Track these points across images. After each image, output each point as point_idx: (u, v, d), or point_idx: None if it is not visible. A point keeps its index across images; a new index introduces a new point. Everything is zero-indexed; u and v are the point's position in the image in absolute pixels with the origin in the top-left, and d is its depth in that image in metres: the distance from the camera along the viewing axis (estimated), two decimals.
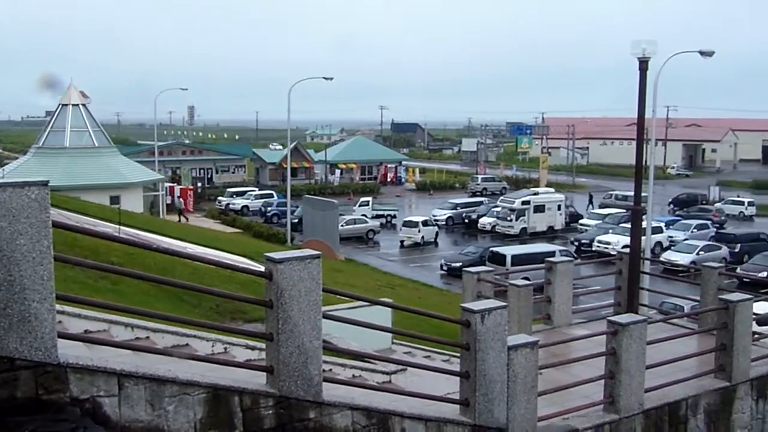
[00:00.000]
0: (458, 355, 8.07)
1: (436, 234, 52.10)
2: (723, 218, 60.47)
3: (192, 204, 63.38)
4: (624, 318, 9.17)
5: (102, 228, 20.07)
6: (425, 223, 51.49)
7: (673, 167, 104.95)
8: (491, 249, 40.53)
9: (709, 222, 55.09)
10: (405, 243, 50.22)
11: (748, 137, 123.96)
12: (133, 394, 5.41)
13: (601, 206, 64.13)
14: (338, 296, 10.53)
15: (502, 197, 61.46)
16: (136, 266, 11.71)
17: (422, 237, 50.50)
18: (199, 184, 76.18)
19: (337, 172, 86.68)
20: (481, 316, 7.59)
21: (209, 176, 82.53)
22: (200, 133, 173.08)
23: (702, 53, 28.55)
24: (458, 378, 7.82)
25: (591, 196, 70.61)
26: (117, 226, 20.82)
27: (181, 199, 58.77)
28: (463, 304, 7.99)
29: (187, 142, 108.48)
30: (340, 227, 43.74)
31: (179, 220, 52.15)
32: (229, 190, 70.64)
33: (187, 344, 9.16)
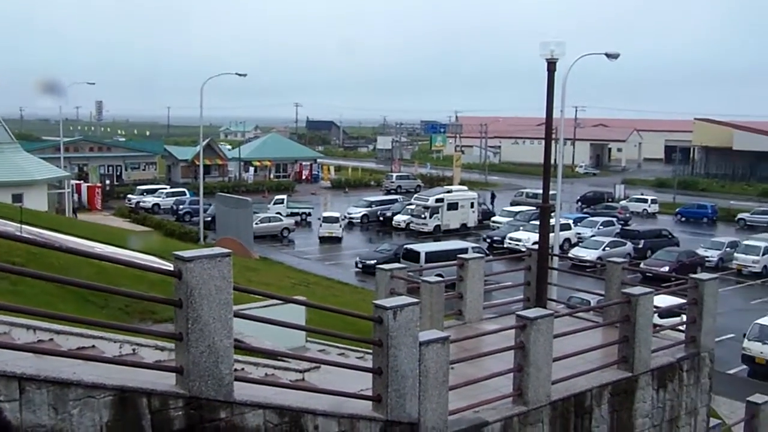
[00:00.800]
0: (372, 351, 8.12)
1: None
2: (628, 215, 62.76)
3: (100, 202, 61.56)
4: (531, 312, 9.41)
5: (2, 227, 19.28)
6: (336, 220, 52.66)
7: (581, 166, 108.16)
8: (405, 246, 40.90)
9: (614, 219, 57.07)
10: (325, 236, 51.58)
11: (651, 137, 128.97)
12: (36, 399, 5.24)
13: (513, 204, 65.52)
14: (251, 295, 10.44)
15: (416, 195, 62.06)
16: (39, 266, 11.30)
17: (342, 231, 52.49)
18: (108, 182, 74.05)
19: (251, 169, 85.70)
20: (393, 313, 7.66)
21: (118, 173, 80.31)
22: (108, 129, 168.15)
23: (608, 55, 29.45)
24: (371, 374, 7.87)
25: (493, 195, 71.67)
26: (19, 225, 20.02)
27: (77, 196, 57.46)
28: (375, 301, 8.05)
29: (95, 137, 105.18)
30: (254, 225, 43.32)
31: (74, 215, 50.60)
32: (139, 187, 68.92)
33: (93, 346, 8.90)
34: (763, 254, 43.69)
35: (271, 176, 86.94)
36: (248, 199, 43.32)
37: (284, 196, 62.90)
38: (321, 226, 52.56)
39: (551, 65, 14.00)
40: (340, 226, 52.95)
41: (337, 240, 51.69)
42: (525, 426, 9.21)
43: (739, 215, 64.07)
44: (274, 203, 59.70)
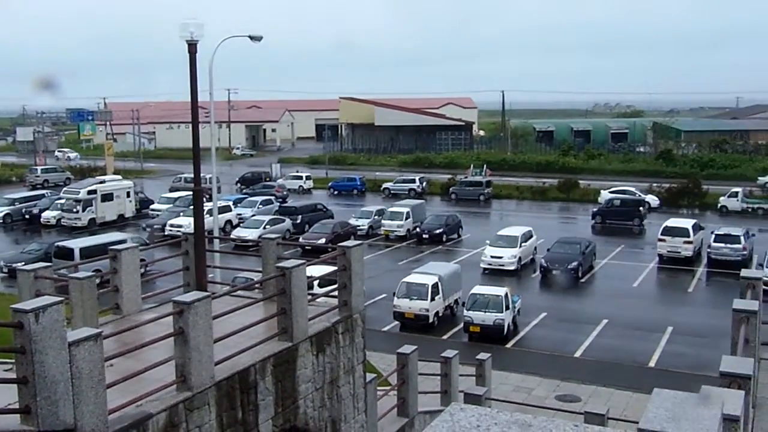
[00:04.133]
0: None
1: None
2: (285, 193, 64.98)
3: None
4: (188, 296, 9.34)
5: None
6: None
7: (238, 148, 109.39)
8: (57, 244, 38.07)
9: (273, 197, 58.70)
10: None
11: (303, 117, 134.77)
12: None
13: (171, 190, 64.22)
14: None
15: (66, 188, 57.97)
16: None
17: None
18: None
19: None
20: (34, 315, 7.11)
21: None
22: None
23: (251, 38, 29.96)
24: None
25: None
26: None
27: None
28: (13, 306, 7.39)
29: None
30: None
31: None
32: None
33: None
34: (406, 219, 48.14)
35: None
36: None
37: None
38: None
39: (192, 47, 13.88)
40: None
41: None
42: (191, 411, 9.15)
43: (384, 185, 69.74)
44: None
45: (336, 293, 13.16)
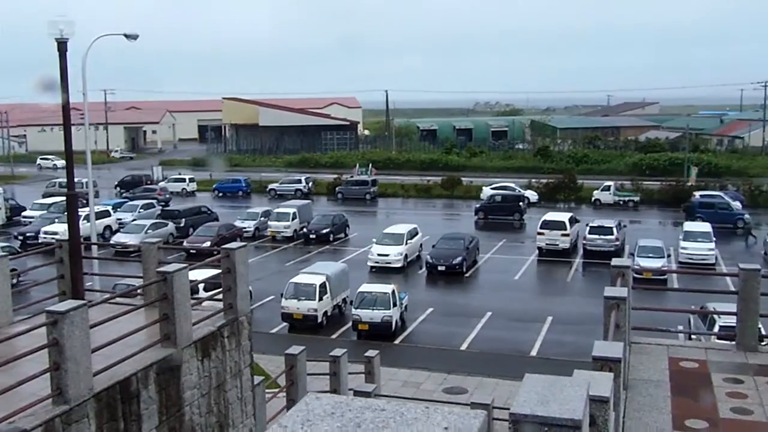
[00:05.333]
0: None
1: None
2: (168, 196, 63.38)
3: None
4: (62, 306, 8.97)
5: None
6: None
7: (116, 150, 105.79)
8: None
9: (155, 201, 57.17)
10: None
11: (185, 118, 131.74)
12: None
13: (45, 195, 61.39)
14: None
15: None
16: None
17: None
18: None
19: None
20: None
21: None
22: None
23: (127, 36, 29.01)
24: None
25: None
26: None
27: None
28: None
29: None
30: None
31: None
32: None
33: None
34: (293, 219, 47.91)
35: None
36: None
37: None
38: None
39: (62, 45, 13.36)
40: None
41: None
42: (69, 425, 8.80)
43: (270, 186, 69.15)
44: None
45: (221, 296, 12.96)
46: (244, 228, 47.54)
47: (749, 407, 9.98)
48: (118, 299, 13.41)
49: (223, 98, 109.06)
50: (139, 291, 13.69)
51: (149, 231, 43.82)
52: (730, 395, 10.38)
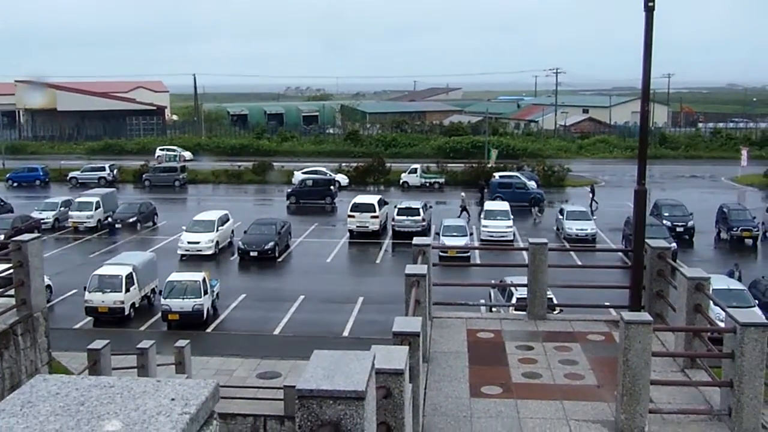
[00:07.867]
0: None
1: None
2: None
3: None
4: None
5: None
6: None
7: None
8: None
9: None
10: None
11: None
12: None
13: None
14: None
15: None
16: None
17: None
18: None
19: None
20: None
21: None
22: None
23: None
24: None
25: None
26: None
27: None
28: None
29: None
30: None
31: None
32: None
33: None
34: (96, 209, 45.67)
35: None
36: None
37: None
38: None
39: None
40: None
41: None
42: None
43: (71, 174, 65.37)
44: None
45: (12, 292, 12.22)
46: (42, 219, 44.73)
47: (538, 371, 10.88)
48: None
49: (16, 81, 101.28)
50: None
51: None
52: (521, 361, 11.26)
